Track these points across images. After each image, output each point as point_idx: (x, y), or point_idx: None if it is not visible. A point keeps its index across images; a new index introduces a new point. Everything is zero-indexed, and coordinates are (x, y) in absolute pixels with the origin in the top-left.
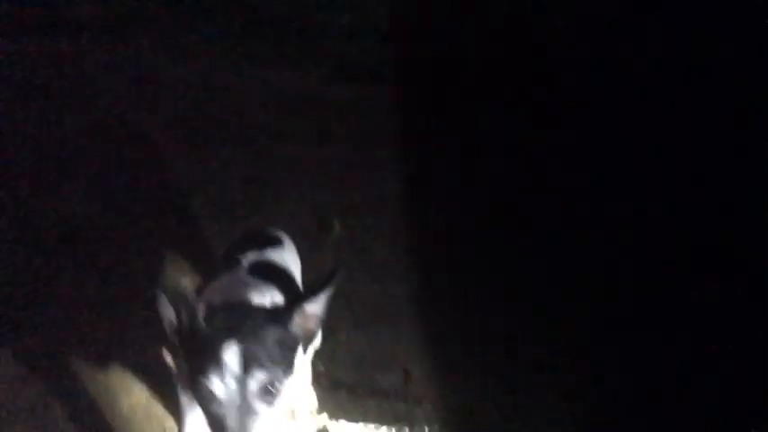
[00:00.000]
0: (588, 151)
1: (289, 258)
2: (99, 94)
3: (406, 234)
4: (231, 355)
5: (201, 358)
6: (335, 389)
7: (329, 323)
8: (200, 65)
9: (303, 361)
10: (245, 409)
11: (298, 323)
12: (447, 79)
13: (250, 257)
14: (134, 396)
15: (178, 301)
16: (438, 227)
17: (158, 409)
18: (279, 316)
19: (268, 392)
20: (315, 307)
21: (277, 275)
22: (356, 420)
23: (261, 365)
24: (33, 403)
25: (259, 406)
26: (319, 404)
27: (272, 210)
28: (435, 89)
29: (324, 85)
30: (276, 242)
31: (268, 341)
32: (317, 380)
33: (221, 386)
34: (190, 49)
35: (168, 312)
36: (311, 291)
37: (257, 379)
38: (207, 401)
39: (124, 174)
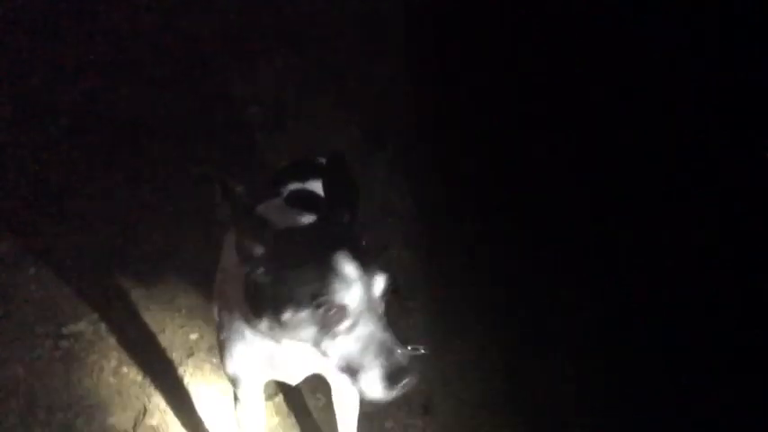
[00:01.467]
0: (593, 149)
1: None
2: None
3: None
4: (343, 261)
5: (304, 281)
6: None
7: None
8: None
9: None
10: (377, 315)
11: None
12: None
13: (290, 188)
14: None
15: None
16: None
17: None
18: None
19: (399, 295)
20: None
21: (316, 205)
22: None
23: (374, 265)
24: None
25: (383, 309)
26: None
27: (326, 123)
28: None
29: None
30: (317, 172)
31: (360, 246)
32: None
33: (352, 296)
34: None
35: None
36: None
37: (380, 279)
38: (327, 329)
39: (180, 82)
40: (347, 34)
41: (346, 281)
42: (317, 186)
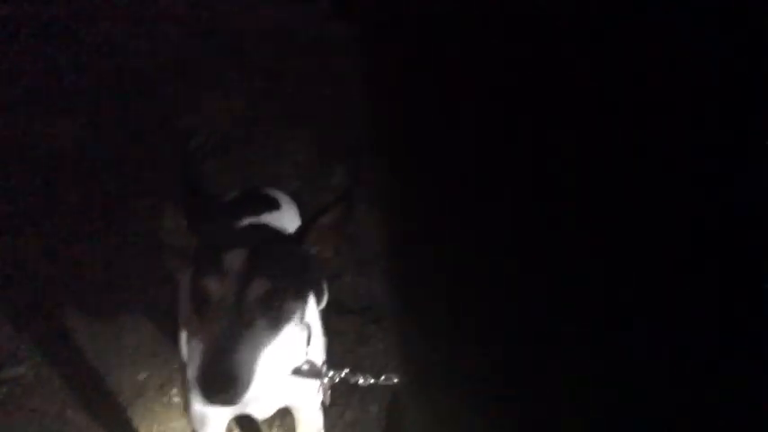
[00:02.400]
0: (589, 148)
1: (287, 221)
2: (91, 23)
3: (419, 172)
4: (236, 255)
5: (203, 260)
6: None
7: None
8: (195, 2)
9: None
10: (240, 316)
11: (312, 241)
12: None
13: (246, 221)
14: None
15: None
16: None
17: (164, 348)
18: (292, 233)
19: (271, 306)
20: (330, 219)
21: None
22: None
23: (268, 273)
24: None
25: (258, 319)
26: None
27: (272, 152)
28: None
29: (324, 23)
30: (273, 205)
31: (279, 253)
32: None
33: (218, 285)
34: None
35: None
36: (324, 208)
37: (260, 284)
38: (201, 309)
39: (118, 110)
40: (295, 59)
41: (220, 269)
42: (270, 219)
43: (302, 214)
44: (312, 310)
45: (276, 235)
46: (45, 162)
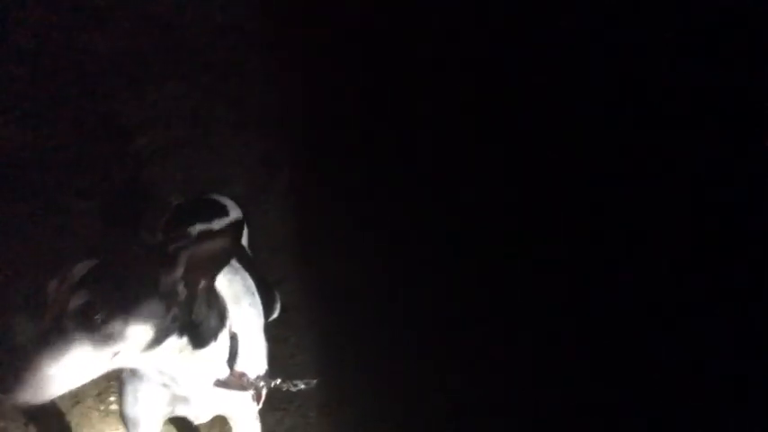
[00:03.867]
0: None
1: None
2: (32, 15)
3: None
4: (84, 265)
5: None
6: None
7: None
8: None
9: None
10: (56, 321)
11: (184, 267)
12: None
13: (199, 228)
14: None
15: None
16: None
17: None
18: (159, 254)
19: (88, 318)
20: (207, 249)
21: None
22: None
23: (95, 288)
24: None
25: (72, 329)
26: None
27: (219, 152)
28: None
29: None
30: (222, 211)
31: (124, 271)
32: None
33: (54, 288)
34: None
35: None
36: (206, 234)
37: (81, 296)
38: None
39: (63, 108)
40: (243, 61)
41: (65, 275)
42: (222, 224)
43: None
44: (250, 321)
45: (140, 252)
46: None
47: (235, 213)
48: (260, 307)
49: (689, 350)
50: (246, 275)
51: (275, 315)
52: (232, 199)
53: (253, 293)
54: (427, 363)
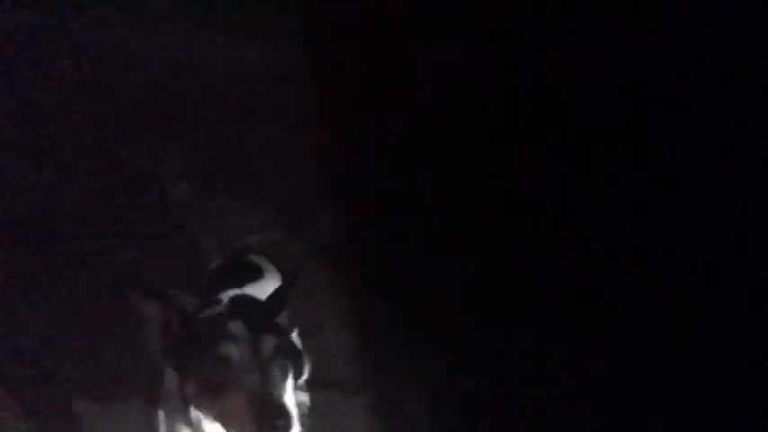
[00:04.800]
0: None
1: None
2: (54, 70)
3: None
4: (237, 324)
5: (203, 342)
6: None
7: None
8: (161, 38)
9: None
10: (265, 374)
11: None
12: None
13: (230, 294)
14: None
15: (162, 299)
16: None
17: None
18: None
19: (282, 356)
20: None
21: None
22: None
23: (269, 328)
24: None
25: (275, 372)
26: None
27: (253, 197)
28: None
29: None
30: (256, 274)
31: (267, 316)
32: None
33: (235, 351)
34: (155, 23)
35: (151, 313)
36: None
37: (269, 341)
38: (216, 386)
39: (82, 160)
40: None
41: (231, 336)
42: (253, 289)
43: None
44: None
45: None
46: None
47: (270, 276)
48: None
49: (690, 352)
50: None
51: (305, 377)
52: (269, 249)
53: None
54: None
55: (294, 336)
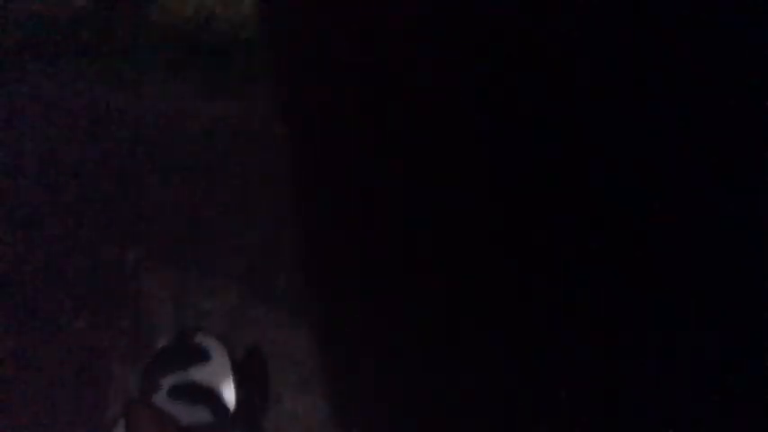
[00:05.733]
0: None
1: (219, 372)
2: (27, 125)
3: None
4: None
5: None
6: None
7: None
8: (136, 95)
9: None
10: None
11: None
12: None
13: (170, 381)
14: None
15: None
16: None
17: None
18: None
19: None
20: None
21: (204, 397)
22: None
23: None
24: None
25: None
26: None
27: (214, 259)
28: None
29: (269, 122)
30: (203, 356)
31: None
32: None
33: None
34: (126, 78)
35: None
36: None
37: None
38: None
39: (52, 217)
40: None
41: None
42: (198, 374)
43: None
44: None
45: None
46: None
47: (217, 355)
48: None
49: (691, 352)
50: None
51: None
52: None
53: None
54: None
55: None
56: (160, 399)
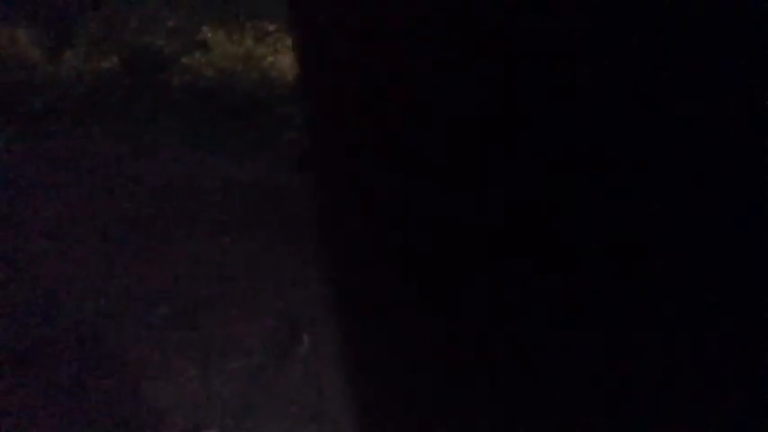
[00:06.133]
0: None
1: None
2: (51, 187)
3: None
4: None
5: None
6: None
7: None
8: (160, 157)
9: None
10: None
11: None
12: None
13: None
14: None
15: None
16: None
17: None
18: None
19: None
20: None
21: None
22: None
23: None
24: None
25: None
26: None
27: (241, 315)
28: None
29: (289, 178)
30: None
31: None
32: None
33: None
34: (150, 141)
35: None
36: None
37: None
38: None
39: (82, 278)
40: (257, 219)
41: None
42: None
43: None
44: None
45: None
46: None
47: None
48: None
49: (693, 352)
50: None
51: None
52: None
53: None
54: None
55: None
56: None
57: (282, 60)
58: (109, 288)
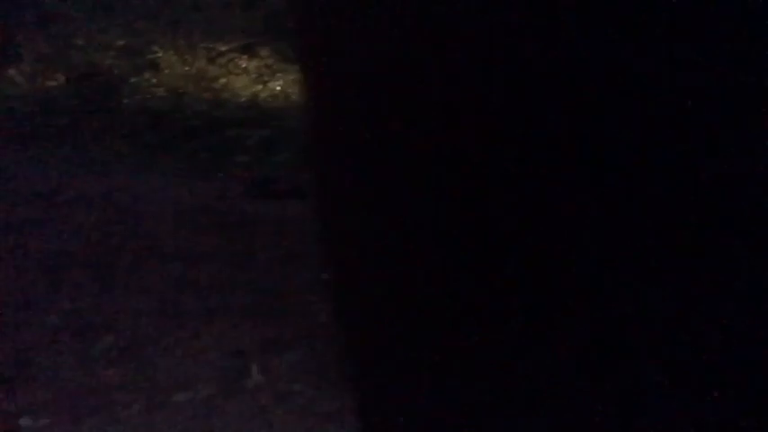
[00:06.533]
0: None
1: None
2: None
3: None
4: None
5: None
6: None
7: None
8: (109, 180)
9: None
10: None
11: None
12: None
13: None
14: None
15: None
16: (373, 356)
17: None
18: None
19: None
20: None
21: None
22: None
23: None
24: None
25: None
26: None
27: (187, 348)
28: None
29: (242, 202)
30: None
31: None
32: None
33: None
34: (98, 163)
35: None
36: None
37: None
38: None
39: (21, 308)
40: (212, 241)
41: None
42: None
43: None
44: None
45: None
46: None
47: None
48: None
49: (694, 351)
50: None
51: None
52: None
53: None
54: None
55: None
56: None
57: (235, 81)
58: (48, 318)
